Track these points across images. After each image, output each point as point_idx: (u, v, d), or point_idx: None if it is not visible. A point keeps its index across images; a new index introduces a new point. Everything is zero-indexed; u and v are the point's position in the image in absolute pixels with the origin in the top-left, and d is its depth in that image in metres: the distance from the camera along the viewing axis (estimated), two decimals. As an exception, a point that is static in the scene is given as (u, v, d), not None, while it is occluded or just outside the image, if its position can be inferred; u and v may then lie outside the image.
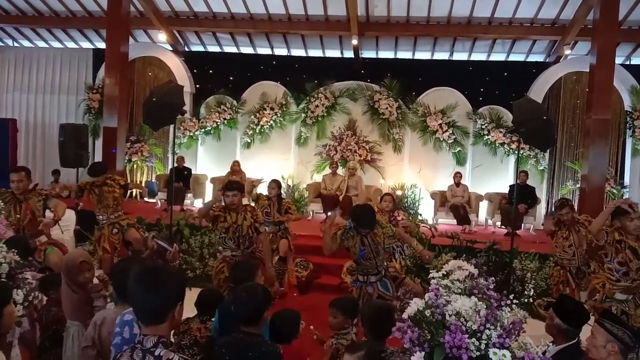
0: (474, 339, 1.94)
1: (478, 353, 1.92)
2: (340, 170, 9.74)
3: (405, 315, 2.16)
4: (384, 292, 4.18)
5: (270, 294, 2.75)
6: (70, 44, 11.97)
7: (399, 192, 9.78)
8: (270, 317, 2.79)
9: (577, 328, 2.77)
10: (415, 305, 2.14)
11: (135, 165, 10.95)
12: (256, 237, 4.79)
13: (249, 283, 2.85)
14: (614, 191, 9.43)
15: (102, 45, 10.85)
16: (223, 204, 4.72)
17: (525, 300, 5.33)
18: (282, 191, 6.67)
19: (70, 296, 3.10)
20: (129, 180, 5.96)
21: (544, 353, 2.69)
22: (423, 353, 1.98)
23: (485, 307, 2.07)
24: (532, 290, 5.83)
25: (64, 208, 5.16)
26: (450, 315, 2.01)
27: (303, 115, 10.36)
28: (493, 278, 2.39)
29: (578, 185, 9.12)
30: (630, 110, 9.60)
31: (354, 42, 9.93)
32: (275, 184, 6.35)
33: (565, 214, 5.12)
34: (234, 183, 4.84)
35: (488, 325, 1.98)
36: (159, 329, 1.76)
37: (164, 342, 1.74)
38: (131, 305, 1.87)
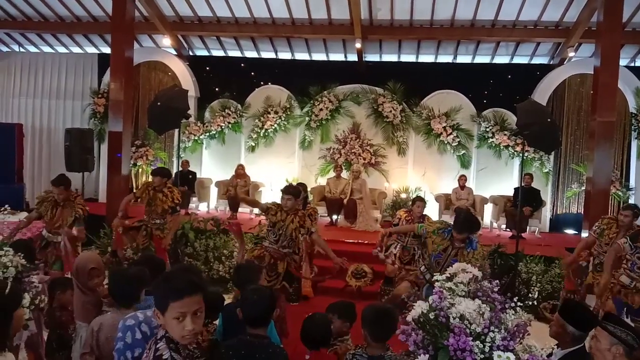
0: (478, 342, 1.94)
1: (482, 356, 1.92)
2: (345, 174, 9.76)
3: (409, 318, 2.16)
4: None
5: (275, 295, 2.76)
6: (76, 49, 12.05)
7: (403, 195, 9.78)
8: (303, 322, 2.81)
9: (587, 332, 2.73)
10: (419, 308, 2.14)
11: (140, 170, 11.00)
12: (309, 238, 5.01)
13: (255, 285, 2.85)
14: (620, 193, 9.38)
15: (107, 50, 10.91)
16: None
17: (530, 303, 5.31)
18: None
19: (80, 297, 3.13)
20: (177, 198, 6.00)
21: (548, 356, 2.70)
22: (427, 356, 1.98)
23: (489, 309, 2.07)
24: (538, 293, 5.78)
25: (74, 244, 5.41)
26: (454, 318, 2.01)
27: (307, 118, 10.39)
28: (497, 281, 2.39)
29: (583, 188, 9.08)
30: (635, 112, 9.55)
31: (358, 45, 9.95)
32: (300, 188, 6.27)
33: (625, 217, 5.09)
34: (290, 188, 4.95)
35: (492, 328, 1.98)
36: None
37: (167, 338, 1.84)
38: None
